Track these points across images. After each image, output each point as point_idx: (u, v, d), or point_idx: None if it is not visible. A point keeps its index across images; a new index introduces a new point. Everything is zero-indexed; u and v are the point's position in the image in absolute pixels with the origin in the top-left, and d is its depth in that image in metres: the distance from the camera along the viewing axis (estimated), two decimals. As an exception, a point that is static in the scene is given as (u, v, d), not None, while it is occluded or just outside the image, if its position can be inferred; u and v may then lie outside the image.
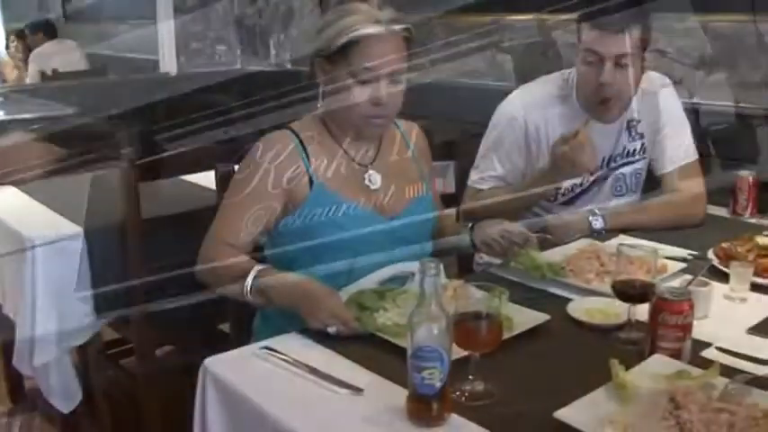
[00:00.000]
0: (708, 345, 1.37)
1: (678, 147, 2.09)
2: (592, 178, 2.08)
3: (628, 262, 1.60)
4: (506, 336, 1.35)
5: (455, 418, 1.14)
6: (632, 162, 2.11)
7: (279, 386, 1.26)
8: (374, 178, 1.70)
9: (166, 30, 3.98)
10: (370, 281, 1.61)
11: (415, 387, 1.11)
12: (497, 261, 1.84)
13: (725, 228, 2.03)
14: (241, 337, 1.79)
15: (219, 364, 1.34)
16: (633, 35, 1.86)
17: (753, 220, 2.14)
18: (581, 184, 2.09)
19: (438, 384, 1.10)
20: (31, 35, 5.63)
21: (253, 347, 1.39)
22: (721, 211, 2.21)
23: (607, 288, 1.50)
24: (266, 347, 1.37)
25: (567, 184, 2.05)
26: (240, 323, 1.87)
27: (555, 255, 1.81)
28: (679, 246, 1.87)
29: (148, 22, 4.32)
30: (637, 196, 2.16)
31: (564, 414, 1.09)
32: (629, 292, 1.38)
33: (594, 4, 1.88)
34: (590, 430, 1.06)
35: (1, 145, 2.99)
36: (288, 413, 1.17)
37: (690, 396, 1.10)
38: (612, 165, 2.10)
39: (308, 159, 1.64)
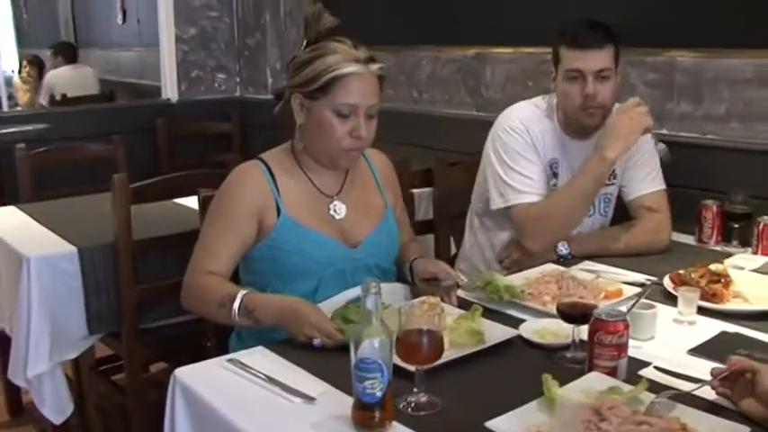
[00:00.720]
0: (648, 364, 1.45)
1: (647, 174, 2.18)
2: None
3: (581, 286, 1.72)
4: (478, 348, 1.49)
5: (397, 426, 1.23)
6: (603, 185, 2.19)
7: (240, 394, 1.36)
8: (339, 208, 1.80)
9: (168, 58, 4.12)
10: (339, 300, 1.71)
11: (358, 396, 1.20)
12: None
13: (690, 255, 2.11)
14: (221, 354, 1.89)
15: (188, 375, 1.43)
16: (610, 51, 2.03)
17: (717, 248, 2.22)
18: None
19: (379, 394, 1.19)
20: (51, 57, 5.81)
21: (221, 359, 1.49)
22: (688, 239, 2.29)
23: None
24: (233, 359, 1.47)
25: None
26: (222, 341, 1.96)
27: (518, 278, 1.90)
28: (643, 272, 1.96)
29: (154, 50, 4.47)
30: (606, 220, 2.25)
31: (494, 424, 1.18)
32: (571, 313, 1.46)
33: (569, 29, 2.06)
34: (516, 438, 1.15)
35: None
36: (245, 420, 1.26)
37: (614, 409, 1.19)
38: None
39: (277, 189, 1.75)
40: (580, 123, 2.11)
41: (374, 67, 1.70)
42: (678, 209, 2.20)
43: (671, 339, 1.58)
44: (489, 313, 1.73)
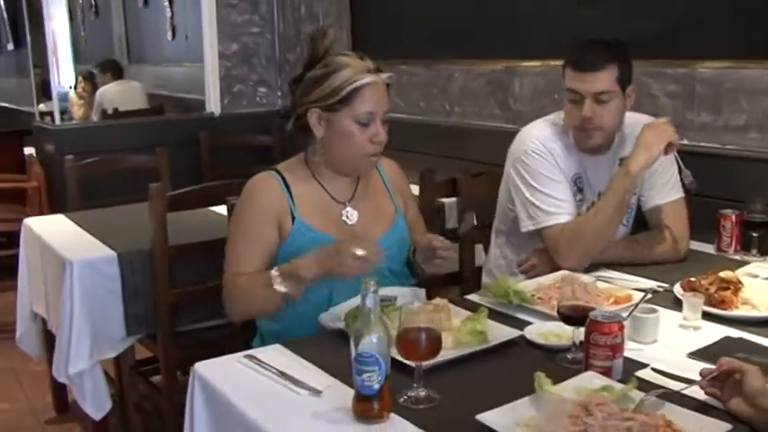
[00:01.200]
0: (646, 365, 1.50)
1: (664, 184, 2.20)
2: (585, 211, 2.20)
3: (588, 292, 1.77)
4: (480, 347, 1.56)
5: (395, 418, 1.30)
6: None
7: (253, 387, 1.45)
8: (351, 214, 1.90)
9: (211, 73, 4.28)
10: (353, 303, 1.79)
11: (357, 388, 1.28)
12: None
13: (708, 264, 2.11)
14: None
15: (207, 369, 1.54)
16: (610, 73, 2.04)
17: (737, 257, 2.23)
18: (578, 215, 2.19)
19: (376, 386, 1.27)
20: (100, 74, 6.05)
21: (238, 355, 1.59)
22: (707, 248, 2.31)
23: None
24: (249, 355, 1.57)
25: (583, 209, 2.18)
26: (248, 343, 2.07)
27: (531, 284, 1.96)
28: (658, 279, 2.00)
29: (201, 66, 4.63)
30: (627, 230, 2.29)
31: (485, 417, 1.24)
32: (572, 315, 1.52)
33: (576, 49, 2.08)
34: (504, 431, 1.21)
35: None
36: (257, 410, 1.35)
37: (602, 406, 1.24)
38: None
39: (292, 197, 1.86)
40: (579, 144, 2.15)
41: (384, 75, 1.84)
42: (697, 218, 2.23)
43: (673, 343, 1.62)
44: (500, 317, 1.79)
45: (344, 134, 1.81)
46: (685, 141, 2.44)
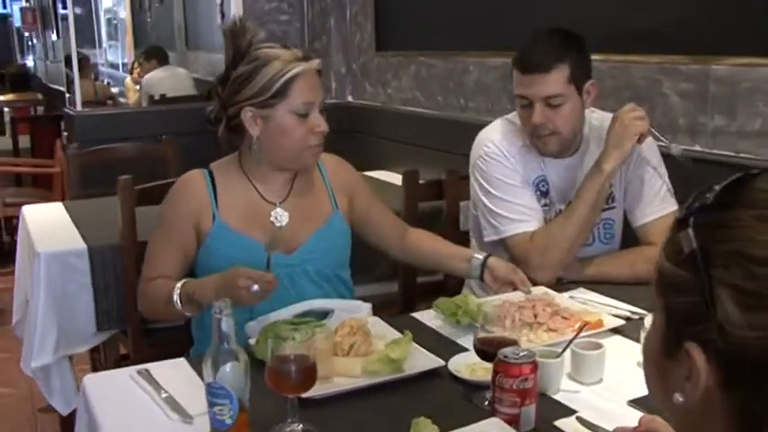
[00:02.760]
0: (573, 412, 1.29)
1: (653, 197, 1.97)
2: (553, 217, 2.00)
3: (556, 315, 1.58)
4: (396, 377, 1.39)
5: (257, 456, 1.16)
6: (602, 210, 2.00)
7: (126, 407, 1.34)
8: (281, 216, 1.77)
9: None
10: (281, 315, 1.65)
11: (210, 420, 1.15)
12: None
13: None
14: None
15: (94, 382, 1.43)
16: (560, 74, 1.82)
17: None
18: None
19: (228, 421, 1.13)
20: (144, 62, 6.10)
21: (133, 369, 1.47)
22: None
23: (524, 342, 1.50)
24: (142, 370, 1.45)
25: (550, 215, 2.00)
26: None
27: (497, 300, 1.76)
28: (642, 303, 1.77)
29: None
30: (610, 247, 2.05)
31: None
32: (487, 350, 1.32)
33: (522, 48, 1.87)
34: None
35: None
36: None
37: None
38: None
39: (216, 197, 1.75)
40: (537, 149, 1.94)
41: (314, 62, 1.72)
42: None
43: (620, 385, 1.40)
44: (442, 342, 1.62)
45: (283, 129, 1.70)
46: (697, 147, 2.17)
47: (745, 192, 0.66)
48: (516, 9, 2.85)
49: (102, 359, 2.75)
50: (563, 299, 1.79)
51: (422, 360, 1.45)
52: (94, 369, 2.88)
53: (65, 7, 4.52)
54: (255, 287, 1.48)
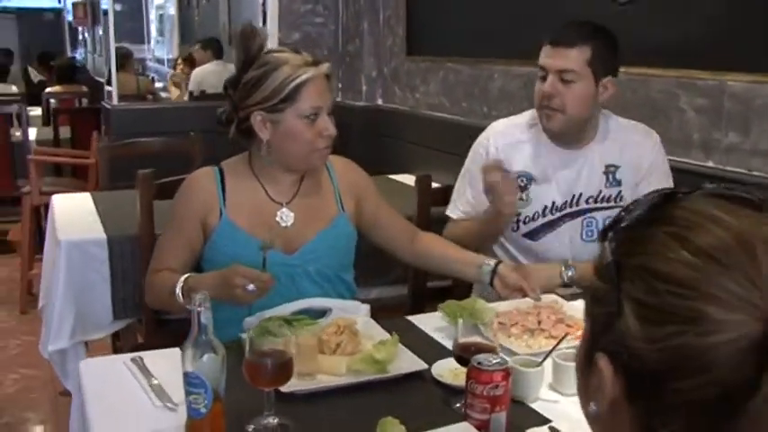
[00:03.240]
0: (548, 422, 1.31)
1: None
2: (559, 213, 2.04)
3: (559, 322, 1.59)
4: (378, 377, 1.42)
5: (232, 447, 1.20)
6: (606, 208, 2.02)
7: (115, 392, 1.40)
8: (286, 216, 1.80)
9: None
10: (279, 312, 1.69)
11: (186, 408, 1.19)
12: None
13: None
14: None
15: (89, 368, 1.49)
16: (580, 53, 1.88)
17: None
18: (543, 214, 2.04)
19: (203, 410, 1.16)
20: (201, 51, 6.17)
21: (127, 356, 1.53)
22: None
23: (523, 347, 1.53)
24: (136, 357, 1.50)
25: (527, 211, 2.03)
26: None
27: (505, 306, 1.78)
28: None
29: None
30: None
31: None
32: (463, 356, 1.34)
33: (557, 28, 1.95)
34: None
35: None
36: (100, 418, 1.30)
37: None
38: (584, 206, 2.03)
39: (224, 194, 1.79)
40: (541, 123, 2.00)
41: (323, 67, 1.74)
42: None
43: (601, 397, 1.40)
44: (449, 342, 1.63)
45: (292, 133, 1.73)
46: (711, 164, 2.15)
47: (668, 209, 0.66)
48: (540, 19, 2.85)
49: (121, 346, 2.83)
50: (571, 307, 1.80)
51: (406, 362, 1.48)
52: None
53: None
54: (251, 286, 1.51)
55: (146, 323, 2.46)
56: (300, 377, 1.41)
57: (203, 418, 1.17)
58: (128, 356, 1.52)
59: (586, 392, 0.69)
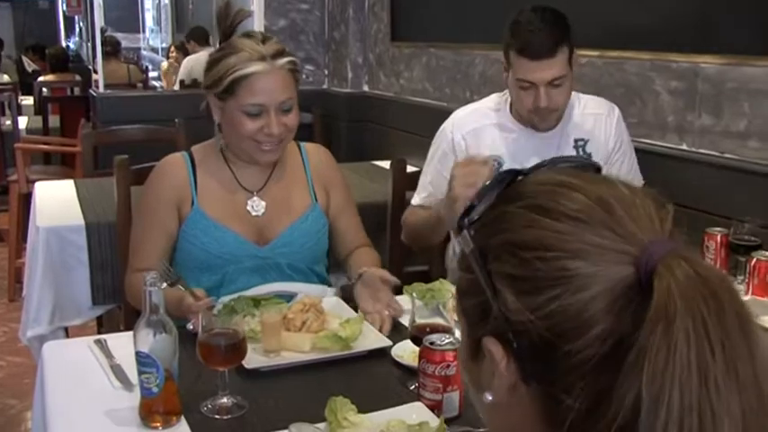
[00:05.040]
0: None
1: (628, 173, 2.04)
2: None
3: None
4: (340, 354, 1.43)
5: (183, 425, 1.21)
6: None
7: (74, 374, 1.40)
8: (257, 205, 1.76)
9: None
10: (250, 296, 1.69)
11: (140, 388, 1.20)
12: None
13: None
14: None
15: (53, 350, 1.50)
16: (562, 56, 1.85)
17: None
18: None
19: (155, 390, 1.17)
20: (193, 42, 6.16)
21: (90, 339, 1.54)
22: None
23: None
24: (100, 340, 1.51)
25: None
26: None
27: None
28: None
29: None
30: None
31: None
32: (419, 336, 1.34)
33: (518, 31, 1.86)
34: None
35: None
36: (56, 399, 1.31)
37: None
38: None
39: (196, 182, 1.75)
40: (532, 125, 1.98)
41: (281, 61, 1.66)
42: (684, 234, 1.95)
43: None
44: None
45: (234, 124, 1.68)
46: (684, 146, 2.15)
47: (516, 188, 0.67)
48: (520, 4, 2.83)
49: (105, 333, 2.84)
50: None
51: (370, 340, 1.48)
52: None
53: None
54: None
55: (125, 310, 2.46)
56: (265, 354, 1.43)
57: (155, 397, 1.18)
58: (91, 339, 1.53)
59: (479, 384, 0.67)
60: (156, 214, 1.75)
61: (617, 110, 2.05)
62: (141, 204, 1.81)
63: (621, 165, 2.03)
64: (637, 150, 2.27)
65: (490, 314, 0.63)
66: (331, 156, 1.95)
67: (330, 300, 1.67)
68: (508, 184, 0.68)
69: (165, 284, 1.40)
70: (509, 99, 2.04)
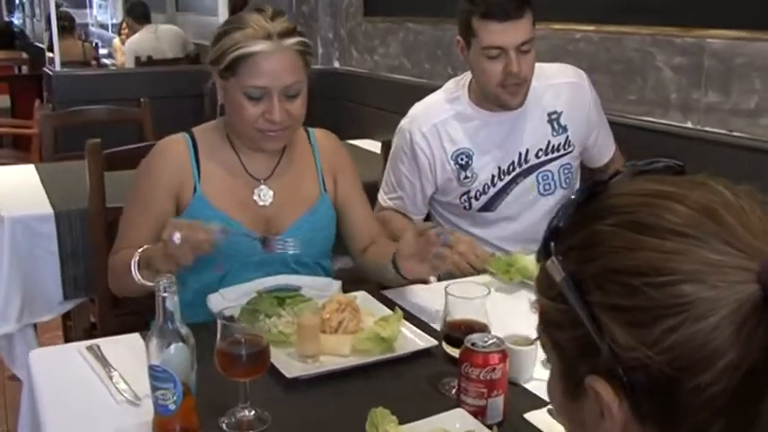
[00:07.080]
0: (547, 404, 1.22)
1: (608, 135, 2.05)
2: (509, 177, 1.94)
3: None
4: (386, 357, 1.32)
5: (204, 444, 1.09)
6: (558, 157, 1.94)
7: (70, 385, 1.26)
8: (265, 194, 1.63)
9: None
10: (247, 289, 1.56)
11: (153, 405, 1.07)
12: None
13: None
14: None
15: (40, 358, 1.35)
16: (529, 18, 1.77)
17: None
18: (493, 184, 1.94)
19: (172, 407, 1.05)
20: (133, 22, 5.89)
21: (82, 344, 1.40)
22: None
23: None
24: (92, 346, 1.37)
25: (476, 186, 1.94)
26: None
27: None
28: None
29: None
30: (570, 193, 1.98)
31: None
32: (454, 335, 1.24)
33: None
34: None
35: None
36: (55, 414, 1.17)
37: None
38: (535, 160, 1.93)
39: (198, 167, 1.60)
40: (500, 103, 1.86)
41: (290, 41, 1.51)
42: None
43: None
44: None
45: (235, 106, 1.54)
46: (689, 125, 2.09)
47: (598, 203, 0.58)
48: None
49: (73, 326, 2.68)
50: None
51: (413, 339, 1.38)
52: (66, 337, 2.81)
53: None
54: (176, 235, 1.31)
55: (99, 302, 2.30)
56: (301, 359, 1.31)
57: (173, 414, 1.05)
58: (83, 344, 1.39)
59: (582, 426, 0.59)
60: (151, 199, 1.59)
61: (584, 74, 1.99)
62: (136, 187, 1.63)
63: (599, 134, 2.01)
64: (636, 128, 2.21)
65: (593, 350, 0.54)
66: (339, 141, 1.82)
67: (359, 295, 1.54)
68: (589, 197, 0.59)
69: None
70: (467, 82, 1.94)
